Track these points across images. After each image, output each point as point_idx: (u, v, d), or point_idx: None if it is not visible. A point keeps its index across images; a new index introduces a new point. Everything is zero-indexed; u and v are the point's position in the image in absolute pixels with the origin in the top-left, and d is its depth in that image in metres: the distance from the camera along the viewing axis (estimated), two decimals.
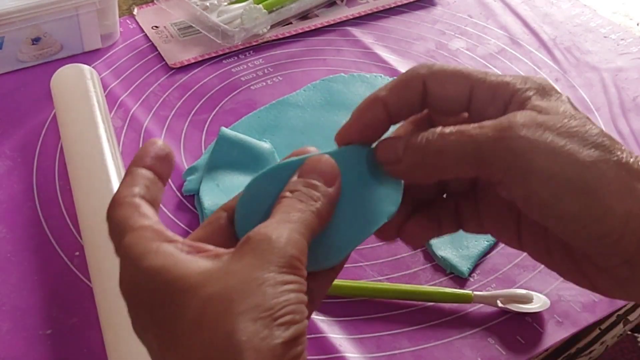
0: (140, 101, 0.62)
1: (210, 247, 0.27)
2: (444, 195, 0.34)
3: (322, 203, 0.28)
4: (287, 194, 0.28)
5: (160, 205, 0.52)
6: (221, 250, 0.26)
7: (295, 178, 0.28)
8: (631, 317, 0.49)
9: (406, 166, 0.30)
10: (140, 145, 0.57)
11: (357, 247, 0.31)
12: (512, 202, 0.29)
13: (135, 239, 0.26)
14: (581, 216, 0.26)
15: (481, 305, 0.46)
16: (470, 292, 0.46)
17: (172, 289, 0.24)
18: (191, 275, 0.24)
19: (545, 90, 0.29)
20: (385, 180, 0.31)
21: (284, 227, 0.26)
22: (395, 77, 0.31)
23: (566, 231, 0.27)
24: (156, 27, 0.71)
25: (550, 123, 0.27)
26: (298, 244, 0.25)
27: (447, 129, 0.28)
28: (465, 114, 0.31)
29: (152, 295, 0.25)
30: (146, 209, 0.28)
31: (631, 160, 0.27)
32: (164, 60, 0.66)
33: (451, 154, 0.28)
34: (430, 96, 0.30)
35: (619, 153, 0.27)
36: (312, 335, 0.44)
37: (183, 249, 0.26)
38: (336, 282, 0.46)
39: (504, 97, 0.29)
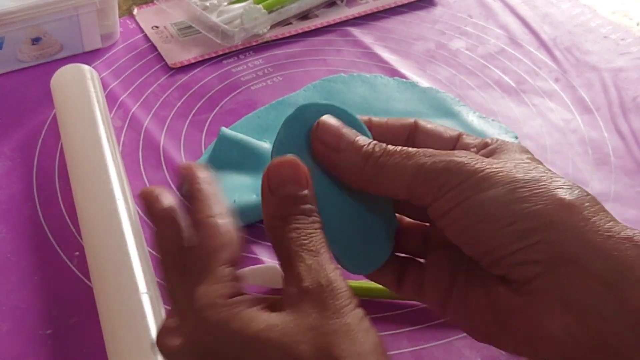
0: (140, 101, 0.62)
1: (261, 296, 0.27)
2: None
3: (316, 212, 0.28)
4: (277, 222, 0.28)
5: None
6: (272, 299, 0.27)
7: (270, 196, 0.28)
8: None
9: (341, 163, 0.30)
10: (141, 145, 0.57)
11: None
12: (452, 259, 0.30)
13: (210, 299, 0.27)
14: (505, 217, 0.27)
15: None
16: None
17: (258, 347, 0.25)
18: (269, 331, 0.25)
19: (519, 148, 0.31)
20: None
21: (322, 266, 0.26)
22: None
23: (487, 239, 0.27)
24: (156, 27, 0.71)
25: (493, 159, 0.29)
26: (338, 273, 0.27)
27: (394, 148, 0.29)
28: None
29: (237, 354, 0.25)
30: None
31: (573, 185, 0.28)
32: (164, 60, 0.66)
33: (390, 173, 0.29)
34: (417, 141, 0.32)
35: (558, 177, 0.28)
36: None
37: (248, 302, 0.26)
38: None
39: (483, 148, 0.31)
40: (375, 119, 0.32)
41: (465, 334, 0.45)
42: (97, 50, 0.67)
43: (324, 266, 0.26)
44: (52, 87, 0.59)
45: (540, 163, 0.29)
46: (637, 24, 0.77)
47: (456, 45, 0.72)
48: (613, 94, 0.66)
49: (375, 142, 0.30)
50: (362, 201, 0.31)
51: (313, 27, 0.72)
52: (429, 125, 0.32)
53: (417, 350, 0.44)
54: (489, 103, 0.64)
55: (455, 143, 0.31)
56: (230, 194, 0.50)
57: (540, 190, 0.27)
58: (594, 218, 0.26)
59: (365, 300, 0.46)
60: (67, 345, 0.43)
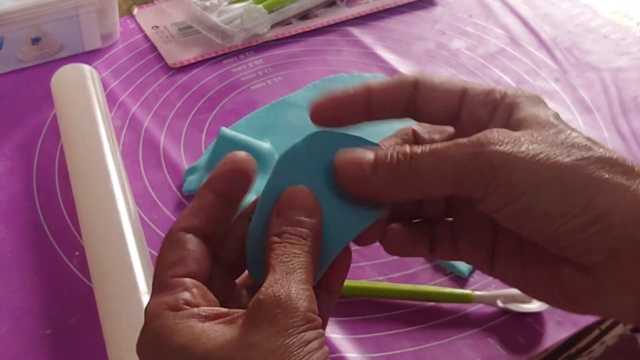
0: (140, 101, 0.62)
1: (222, 310, 0.26)
2: (419, 220, 0.33)
3: (312, 238, 0.27)
4: (275, 238, 0.27)
5: (161, 206, 0.52)
6: (235, 313, 0.26)
7: (275, 219, 0.28)
8: None
9: (375, 187, 0.28)
10: (141, 146, 0.57)
11: (358, 248, 0.31)
12: (491, 218, 0.28)
13: (155, 306, 0.26)
14: (563, 214, 0.26)
15: (481, 305, 0.46)
16: (471, 292, 0.46)
17: None
18: (215, 350, 0.24)
19: (533, 100, 0.29)
20: None
21: (289, 282, 0.25)
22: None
23: (547, 233, 0.27)
24: (156, 27, 0.71)
25: (528, 134, 0.27)
26: (306, 294, 0.25)
27: (419, 149, 0.28)
28: (450, 130, 0.31)
29: None
30: (191, 256, 0.28)
31: (613, 156, 0.27)
32: (164, 60, 0.66)
33: (429, 175, 0.27)
34: (419, 100, 0.30)
35: (600, 150, 0.27)
36: None
37: (200, 315, 0.26)
38: None
39: (494, 100, 0.29)
40: (374, 84, 0.30)
41: (465, 334, 0.45)
42: (97, 50, 0.67)
43: (291, 284, 0.25)
44: (52, 87, 0.59)
45: (565, 124, 0.29)
46: (637, 24, 0.77)
47: (456, 45, 0.72)
48: (613, 94, 0.66)
49: (393, 148, 0.28)
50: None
51: (313, 27, 0.72)
52: (430, 83, 0.30)
53: (417, 350, 0.44)
54: None
55: (461, 99, 0.30)
56: None
57: (588, 173, 0.27)
58: None
59: (365, 301, 0.46)
60: (67, 345, 0.43)
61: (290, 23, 0.72)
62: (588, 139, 0.28)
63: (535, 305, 0.46)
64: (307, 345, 0.24)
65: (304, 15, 0.73)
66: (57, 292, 0.46)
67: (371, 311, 0.46)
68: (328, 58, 0.68)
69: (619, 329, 0.48)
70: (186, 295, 0.26)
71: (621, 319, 0.28)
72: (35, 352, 0.42)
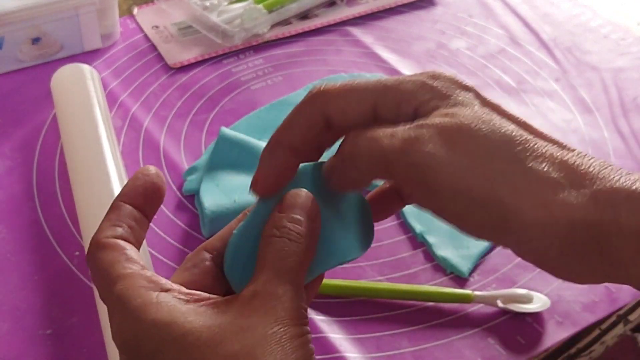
0: (140, 101, 0.62)
1: (204, 294, 0.27)
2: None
3: (309, 239, 0.28)
4: (275, 231, 0.27)
5: (161, 205, 0.52)
6: (217, 298, 0.26)
7: (277, 213, 0.28)
8: (631, 317, 0.49)
9: (336, 177, 0.29)
10: (141, 145, 0.57)
11: None
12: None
13: (129, 288, 0.26)
14: (491, 227, 0.26)
15: (481, 305, 0.46)
16: (470, 292, 0.46)
17: (184, 345, 0.24)
18: (202, 330, 0.24)
19: (449, 94, 0.28)
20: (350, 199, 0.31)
21: (286, 279, 0.26)
22: (297, 108, 0.30)
23: (484, 238, 0.27)
24: (156, 27, 0.71)
25: (457, 135, 0.26)
26: (300, 293, 0.26)
27: (359, 134, 0.28)
28: None
29: (160, 349, 0.25)
30: (132, 252, 0.27)
31: (542, 166, 0.25)
32: (164, 60, 0.66)
33: (363, 160, 0.28)
34: (333, 122, 0.29)
35: (527, 157, 0.26)
36: (312, 335, 0.44)
37: (181, 298, 0.26)
38: (336, 282, 0.46)
39: (407, 110, 0.28)
40: (277, 144, 0.30)
41: (465, 334, 0.45)
42: (97, 50, 0.67)
43: (287, 281, 0.26)
44: (52, 87, 0.59)
45: (487, 107, 0.28)
46: (637, 24, 0.77)
47: (456, 45, 0.72)
48: (613, 94, 0.66)
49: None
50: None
51: (313, 27, 0.72)
52: (338, 109, 0.29)
53: (417, 350, 0.44)
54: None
55: (374, 116, 0.29)
56: (230, 193, 0.50)
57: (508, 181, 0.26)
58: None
59: (365, 301, 0.46)
60: (67, 345, 0.43)
61: (290, 23, 0.72)
62: (518, 131, 0.27)
63: (535, 305, 0.46)
64: (298, 338, 0.25)
65: (304, 15, 0.73)
66: (57, 292, 0.46)
67: (371, 311, 0.46)
68: (328, 58, 0.68)
69: (619, 329, 0.48)
70: (163, 280, 0.26)
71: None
72: (35, 352, 0.42)
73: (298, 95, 0.62)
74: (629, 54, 0.72)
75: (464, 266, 0.48)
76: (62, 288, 0.46)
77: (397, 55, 0.69)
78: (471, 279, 0.48)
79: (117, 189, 0.48)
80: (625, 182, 0.25)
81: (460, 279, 0.48)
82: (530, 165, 0.25)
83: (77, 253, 0.48)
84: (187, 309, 0.25)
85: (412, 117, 0.28)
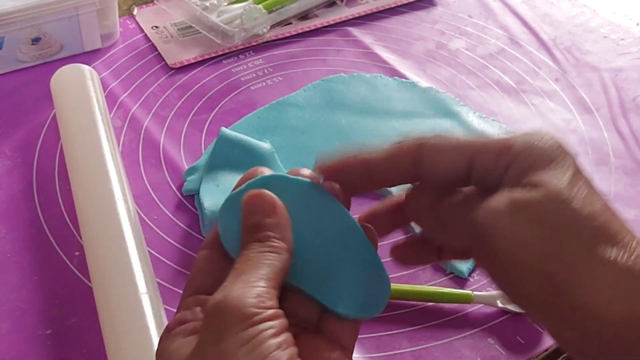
0: (140, 101, 0.62)
1: (191, 325, 0.26)
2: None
3: (275, 238, 0.27)
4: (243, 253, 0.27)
5: (160, 206, 0.52)
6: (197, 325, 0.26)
7: (243, 227, 0.28)
8: None
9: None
10: (141, 146, 0.57)
11: None
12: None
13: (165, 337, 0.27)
14: (550, 305, 0.25)
15: (481, 305, 0.46)
16: (470, 292, 0.46)
17: None
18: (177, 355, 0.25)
19: (549, 155, 0.27)
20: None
21: (230, 286, 0.25)
22: (391, 142, 0.30)
23: (539, 317, 0.26)
24: (156, 27, 0.71)
25: (526, 207, 0.25)
26: (246, 294, 0.24)
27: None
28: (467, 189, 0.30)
29: None
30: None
31: (624, 258, 0.24)
32: (163, 60, 0.66)
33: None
34: (425, 166, 0.29)
35: (603, 247, 0.24)
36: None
37: (185, 332, 0.26)
38: None
39: (505, 162, 0.27)
40: (373, 155, 0.30)
41: (465, 334, 0.45)
42: (97, 50, 0.67)
43: (235, 285, 0.25)
44: (52, 87, 0.59)
45: (578, 189, 0.26)
46: (637, 24, 0.77)
47: (456, 45, 0.72)
48: (613, 94, 0.66)
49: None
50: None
51: (313, 27, 0.72)
52: (436, 148, 0.29)
53: (417, 350, 0.44)
54: (489, 103, 0.64)
55: (470, 163, 0.28)
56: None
57: (568, 260, 0.24)
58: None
59: None
60: (67, 345, 0.43)
61: (290, 23, 0.72)
62: (601, 220, 0.25)
63: None
64: (247, 344, 0.23)
65: (304, 15, 0.73)
66: (57, 292, 0.46)
67: None
68: (328, 58, 0.68)
69: None
70: (186, 314, 0.27)
71: None
72: (35, 352, 0.42)
73: (298, 95, 0.62)
74: (628, 54, 0.72)
75: (463, 266, 0.48)
76: (62, 288, 0.46)
77: (397, 55, 0.69)
78: (471, 279, 0.48)
79: (117, 189, 0.48)
80: None
81: (460, 279, 0.48)
82: (606, 255, 0.24)
83: (77, 253, 0.48)
84: (177, 345, 0.26)
85: (501, 177, 0.27)
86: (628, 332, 0.23)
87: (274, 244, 0.27)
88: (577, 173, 0.26)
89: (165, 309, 0.42)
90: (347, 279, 0.29)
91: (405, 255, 0.33)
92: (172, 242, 0.49)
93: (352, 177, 0.30)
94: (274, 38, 0.70)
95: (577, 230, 0.25)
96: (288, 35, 0.70)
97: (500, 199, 0.26)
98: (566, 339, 0.25)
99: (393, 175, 0.29)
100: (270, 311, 0.24)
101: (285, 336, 0.24)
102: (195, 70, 0.66)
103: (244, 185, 0.29)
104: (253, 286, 0.25)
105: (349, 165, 0.30)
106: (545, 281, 0.24)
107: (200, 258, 0.29)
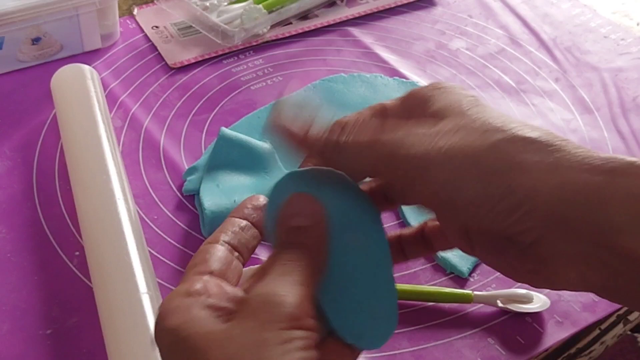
0: (140, 101, 0.62)
1: (230, 305, 0.26)
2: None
3: (313, 243, 0.27)
4: (285, 238, 0.28)
5: (161, 206, 0.52)
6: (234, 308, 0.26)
7: (277, 228, 0.28)
8: (631, 317, 0.49)
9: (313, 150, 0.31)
10: (141, 146, 0.57)
11: None
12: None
13: (169, 295, 0.27)
14: (484, 201, 0.26)
15: (481, 305, 0.46)
16: (470, 292, 0.46)
17: (185, 346, 0.25)
18: (196, 338, 0.25)
19: (447, 90, 0.31)
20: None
21: (280, 281, 0.25)
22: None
23: (476, 221, 0.27)
24: (156, 27, 0.71)
25: (442, 127, 0.28)
26: (297, 294, 0.25)
27: (346, 137, 0.30)
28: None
29: (172, 348, 0.25)
30: (219, 254, 0.29)
31: (532, 134, 0.27)
32: (164, 60, 0.66)
33: (350, 162, 0.30)
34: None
35: (517, 129, 0.27)
36: None
37: (203, 305, 0.26)
38: None
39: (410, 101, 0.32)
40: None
41: (465, 334, 0.45)
42: (97, 50, 0.67)
43: (279, 283, 0.25)
44: (52, 87, 0.59)
45: (481, 107, 0.29)
46: (637, 24, 0.77)
47: (456, 45, 0.72)
48: (613, 94, 0.66)
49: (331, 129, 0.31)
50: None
51: (313, 27, 0.72)
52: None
53: (417, 350, 0.44)
54: (489, 103, 0.64)
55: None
56: (230, 194, 0.50)
57: (504, 156, 0.27)
58: (565, 159, 0.26)
59: None
60: (67, 345, 0.43)
61: (290, 23, 0.72)
62: (505, 118, 0.28)
63: (535, 305, 0.46)
64: (286, 343, 0.24)
65: (304, 15, 0.73)
66: (57, 292, 0.46)
67: None
68: (328, 58, 0.68)
69: (618, 329, 0.48)
70: (198, 285, 0.27)
71: (572, 290, 0.28)
72: (35, 352, 0.42)
73: (298, 95, 0.62)
74: (628, 54, 0.72)
75: (463, 266, 0.48)
76: (62, 288, 0.46)
77: (397, 55, 0.69)
78: (471, 279, 0.48)
79: (117, 189, 0.48)
80: (612, 156, 0.26)
81: (460, 279, 0.48)
82: (524, 135, 0.27)
83: (77, 253, 0.48)
84: (198, 316, 0.25)
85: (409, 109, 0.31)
86: (561, 203, 0.25)
87: (319, 254, 0.28)
88: (475, 99, 0.30)
89: None
90: (362, 304, 0.29)
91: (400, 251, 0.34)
92: (172, 242, 0.49)
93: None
94: (274, 38, 0.70)
95: (489, 132, 0.27)
96: (288, 35, 0.70)
97: (422, 136, 0.28)
98: (492, 221, 0.27)
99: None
100: (311, 321, 0.25)
101: (311, 353, 0.24)
102: (195, 70, 0.66)
103: (309, 167, 0.30)
104: (300, 290, 0.25)
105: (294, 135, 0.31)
106: (479, 175, 0.26)
107: (205, 248, 0.29)
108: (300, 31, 0.71)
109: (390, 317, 0.30)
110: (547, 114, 0.63)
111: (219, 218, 0.49)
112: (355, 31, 0.72)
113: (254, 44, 0.69)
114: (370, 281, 0.29)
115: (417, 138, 0.28)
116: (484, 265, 0.49)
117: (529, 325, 0.45)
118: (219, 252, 0.29)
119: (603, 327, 0.47)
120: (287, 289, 0.25)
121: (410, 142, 0.28)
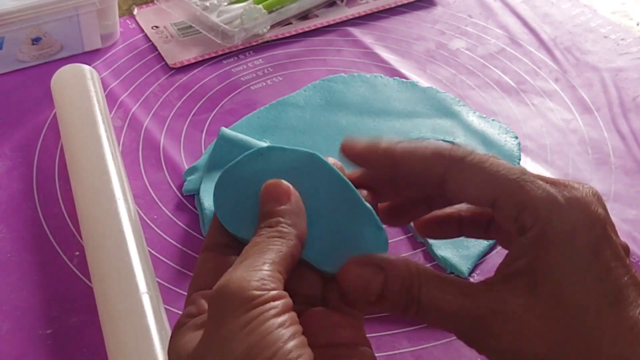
0: (140, 101, 0.62)
1: (199, 319, 0.26)
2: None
3: (284, 223, 0.27)
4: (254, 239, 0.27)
5: (160, 206, 0.52)
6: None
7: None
8: None
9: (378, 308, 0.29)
10: (141, 146, 0.57)
11: None
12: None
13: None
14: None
15: None
16: None
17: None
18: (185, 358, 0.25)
19: (567, 228, 0.27)
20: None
21: (236, 268, 0.25)
22: (427, 144, 0.28)
23: None
24: (156, 27, 0.71)
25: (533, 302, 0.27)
26: (249, 273, 0.24)
27: (430, 296, 0.29)
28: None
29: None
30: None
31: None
32: (164, 60, 0.66)
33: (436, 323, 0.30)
34: (449, 187, 0.28)
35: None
36: None
37: (194, 326, 0.26)
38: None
39: (521, 222, 0.28)
40: (402, 145, 0.29)
41: None
42: (97, 50, 0.67)
43: (236, 269, 0.24)
44: (52, 87, 0.59)
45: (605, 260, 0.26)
46: (637, 24, 0.77)
47: (456, 45, 0.72)
48: (613, 94, 0.66)
49: (402, 284, 0.28)
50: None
51: (313, 27, 0.72)
52: (475, 160, 0.27)
53: (417, 350, 0.44)
54: (489, 103, 0.64)
55: (491, 207, 0.27)
56: None
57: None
58: None
59: None
60: (67, 345, 0.43)
61: (290, 23, 0.72)
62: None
63: None
64: (245, 327, 0.23)
65: (304, 15, 0.73)
66: (57, 292, 0.46)
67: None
68: (328, 58, 0.68)
69: None
70: (191, 308, 0.27)
71: None
72: (35, 352, 0.42)
73: (298, 95, 0.62)
74: (628, 54, 0.72)
75: (463, 266, 0.48)
76: (62, 288, 0.46)
77: (397, 55, 0.69)
78: (471, 279, 0.48)
79: (117, 189, 0.48)
80: None
81: None
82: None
83: (77, 253, 0.48)
84: (186, 339, 0.26)
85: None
86: None
87: (283, 229, 0.27)
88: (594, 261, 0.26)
89: (165, 308, 0.42)
90: (345, 243, 0.29)
91: (430, 229, 0.33)
92: (172, 242, 0.49)
93: (376, 164, 0.29)
94: (274, 38, 0.70)
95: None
96: (288, 35, 0.71)
97: (515, 306, 0.28)
98: None
99: (416, 179, 0.29)
100: (273, 292, 0.24)
101: (288, 315, 0.24)
102: (195, 70, 0.66)
103: (240, 157, 0.29)
104: (256, 270, 0.24)
105: (374, 153, 0.29)
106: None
107: (201, 260, 0.29)
108: (300, 31, 0.71)
109: (379, 245, 0.29)
110: (547, 114, 0.63)
111: None
112: (355, 31, 0.72)
113: (254, 44, 0.69)
114: (346, 219, 0.29)
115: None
116: (484, 265, 0.49)
117: None
118: (206, 262, 0.28)
119: None
120: (237, 275, 0.24)
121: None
